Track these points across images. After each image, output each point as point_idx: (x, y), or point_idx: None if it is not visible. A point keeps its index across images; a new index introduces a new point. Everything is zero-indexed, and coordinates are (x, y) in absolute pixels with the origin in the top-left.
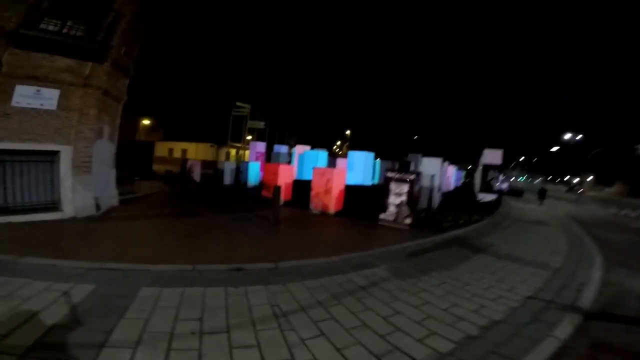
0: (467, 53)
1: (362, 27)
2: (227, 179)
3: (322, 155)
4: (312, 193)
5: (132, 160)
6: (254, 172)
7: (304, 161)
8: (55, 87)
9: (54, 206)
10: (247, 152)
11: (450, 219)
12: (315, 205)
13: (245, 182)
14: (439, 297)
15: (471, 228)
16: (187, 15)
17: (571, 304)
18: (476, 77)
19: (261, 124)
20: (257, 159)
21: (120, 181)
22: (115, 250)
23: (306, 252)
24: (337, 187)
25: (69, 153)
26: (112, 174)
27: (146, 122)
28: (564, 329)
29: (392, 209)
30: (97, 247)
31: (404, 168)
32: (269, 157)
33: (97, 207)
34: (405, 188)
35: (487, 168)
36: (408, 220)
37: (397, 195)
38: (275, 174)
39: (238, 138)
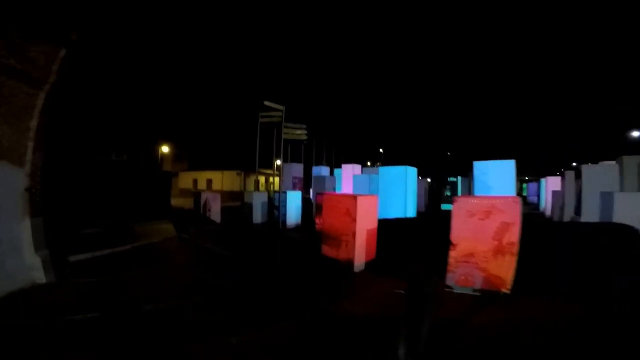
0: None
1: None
2: (258, 216)
3: (412, 173)
4: (454, 253)
5: (143, 197)
6: (295, 206)
7: (371, 186)
8: None
9: None
10: (276, 180)
11: None
12: (464, 278)
13: (283, 221)
14: None
15: None
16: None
17: None
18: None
19: (302, 133)
20: (294, 187)
21: (109, 230)
22: None
23: None
24: (514, 236)
25: None
26: (24, 227)
27: (165, 149)
28: None
29: None
30: None
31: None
32: (306, 183)
33: None
34: None
35: None
36: None
37: None
38: (348, 214)
39: (269, 161)
